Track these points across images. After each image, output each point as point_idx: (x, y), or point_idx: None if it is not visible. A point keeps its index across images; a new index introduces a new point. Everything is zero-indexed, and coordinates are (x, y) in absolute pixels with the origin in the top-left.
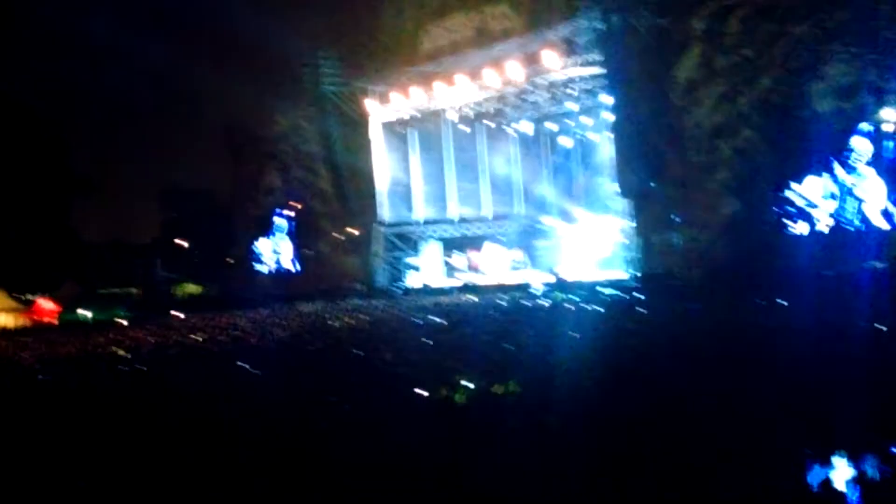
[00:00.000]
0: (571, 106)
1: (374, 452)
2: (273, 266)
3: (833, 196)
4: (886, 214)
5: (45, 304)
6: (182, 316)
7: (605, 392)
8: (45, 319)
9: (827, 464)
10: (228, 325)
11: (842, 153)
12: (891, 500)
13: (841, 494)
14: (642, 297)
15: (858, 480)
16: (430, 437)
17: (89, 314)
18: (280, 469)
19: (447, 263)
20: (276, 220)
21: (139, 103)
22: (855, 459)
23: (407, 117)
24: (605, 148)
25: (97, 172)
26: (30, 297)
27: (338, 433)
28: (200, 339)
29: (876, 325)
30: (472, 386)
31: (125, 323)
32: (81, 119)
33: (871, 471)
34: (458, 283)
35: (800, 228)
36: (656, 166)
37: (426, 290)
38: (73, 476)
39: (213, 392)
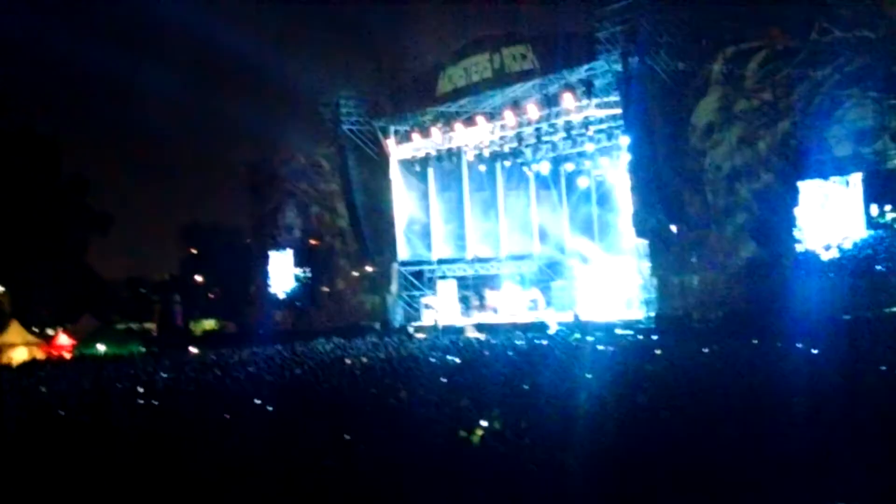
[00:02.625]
0: (589, 146)
1: (388, 493)
2: (290, 303)
3: (854, 241)
4: None
5: (63, 338)
6: (198, 352)
7: (618, 435)
8: (61, 353)
9: None
10: (244, 361)
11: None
12: None
13: None
14: (659, 339)
15: None
16: (446, 477)
17: (103, 348)
18: None
19: (463, 302)
20: (294, 257)
21: (161, 140)
22: None
23: (426, 156)
24: (623, 188)
25: (117, 208)
26: (49, 331)
27: (351, 472)
28: (215, 375)
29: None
30: (487, 426)
31: (140, 358)
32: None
33: None
34: (473, 322)
35: (819, 272)
36: (674, 208)
37: (442, 329)
38: None
39: (227, 428)
